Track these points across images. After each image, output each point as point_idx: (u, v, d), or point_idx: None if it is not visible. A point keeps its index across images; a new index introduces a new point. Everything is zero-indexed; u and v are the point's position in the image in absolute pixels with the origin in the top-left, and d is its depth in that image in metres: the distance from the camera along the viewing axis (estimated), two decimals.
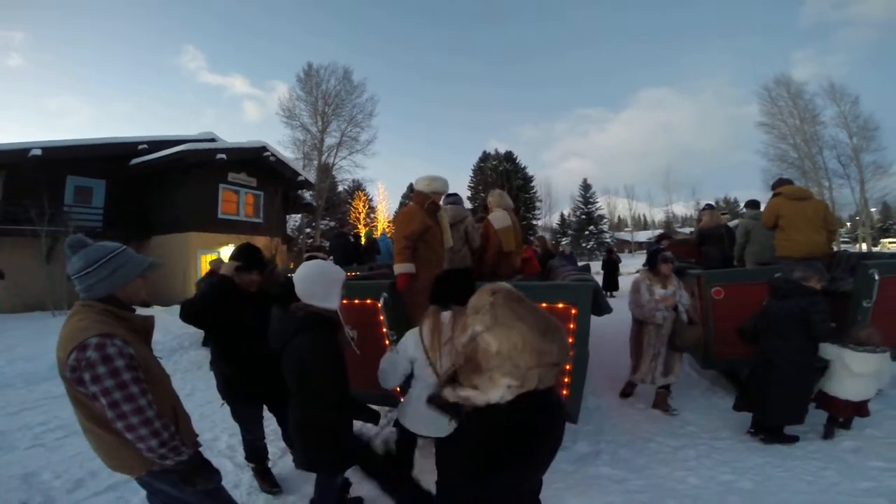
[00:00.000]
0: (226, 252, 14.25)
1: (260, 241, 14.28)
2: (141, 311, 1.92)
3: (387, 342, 3.07)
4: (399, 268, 3.26)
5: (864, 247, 25.63)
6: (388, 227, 36.19)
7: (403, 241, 3.29)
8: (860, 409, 3.42)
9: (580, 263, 8.59)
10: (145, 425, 1.53)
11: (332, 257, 9.13)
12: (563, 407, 1.15)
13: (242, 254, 2.77)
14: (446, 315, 2.35)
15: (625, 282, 15.16)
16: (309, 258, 8.17)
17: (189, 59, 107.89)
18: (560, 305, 2.68)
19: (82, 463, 3.47)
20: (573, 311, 2.65)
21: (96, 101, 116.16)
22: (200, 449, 1.95)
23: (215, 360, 2.88)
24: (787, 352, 3.24)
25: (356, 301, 3.14)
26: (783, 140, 27.56)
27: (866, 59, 63.40)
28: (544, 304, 2.66)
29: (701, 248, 6.33)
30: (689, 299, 4.11)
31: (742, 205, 6.60)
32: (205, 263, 13.08)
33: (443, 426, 1.40)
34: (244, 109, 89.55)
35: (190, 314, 2.64)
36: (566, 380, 2.71)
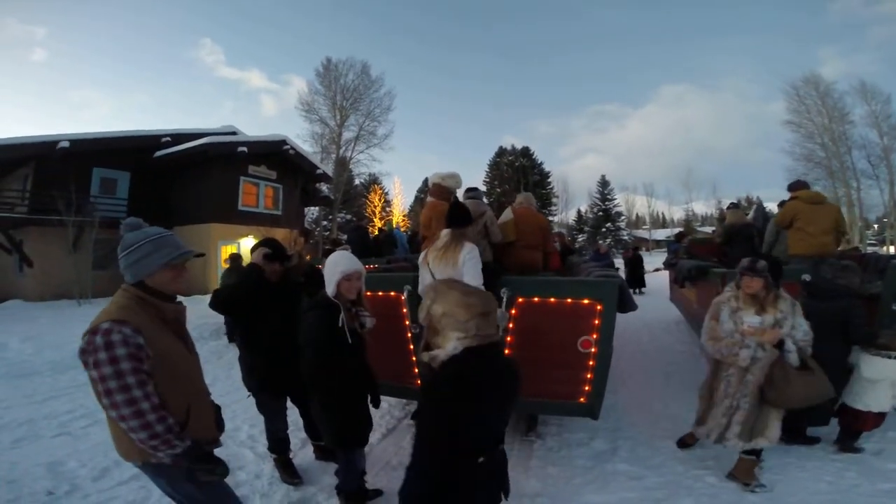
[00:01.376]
0: (246, 244, 14.48)
1: (279, 234, 14.44)
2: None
3: (409, 334, 3.11)
4: None
5: (893, 249, 24.85)
6: (404, 220, 36.26)
7: None
8: (877, 421, 3.27)
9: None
10: (136, 417, 1.49)
11: (349, 250, 9.23)
12: (503, 359, 1.62)
13: (269, 243, 2.83)
14: (445, 232, 2.96)
15: (648, 279, 15.15)
16: (327, 252, 8.29)
17: (206, 52, 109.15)
18: (585, 301, 2.68)
19: (107, 451, 3.39)
20: (598, 308, 2.65)
21: (117, 93, 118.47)
22: (222, 442, 1.96)
23: (242, 350, 2.95)
24: (821, 353, 3.16)
25: (380, 293, 3.18)
26: (810, 139, 26.89)
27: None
28: (569, 300, 2.69)
29: (726, 248, 6.18)
30: (808, 331, 2.84)
31: (762, 203, 6.46)
32: (225, 255, 13.31)
33: None
34: (261, 103, 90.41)
35: (226, 301, 2.75)
36: (588, 376, 2.71)
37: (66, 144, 13.15)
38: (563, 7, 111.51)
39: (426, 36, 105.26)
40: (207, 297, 3.21)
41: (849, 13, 63.80)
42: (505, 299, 2.70)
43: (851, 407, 3.26)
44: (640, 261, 14.74)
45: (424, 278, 2.93)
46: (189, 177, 15.24)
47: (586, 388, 2.77)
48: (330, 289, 2.34)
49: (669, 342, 6.94)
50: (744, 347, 2.75)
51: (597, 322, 2.65)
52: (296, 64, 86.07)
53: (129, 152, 14.84)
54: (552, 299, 2.73)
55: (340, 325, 2.28)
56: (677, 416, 4.15)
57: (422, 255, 3.08)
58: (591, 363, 2.71)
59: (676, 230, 48.02)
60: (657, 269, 16.58)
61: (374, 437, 3.33)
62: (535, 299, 2.77)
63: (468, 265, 2.76)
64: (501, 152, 45.74)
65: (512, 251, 4.09)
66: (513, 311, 2.79)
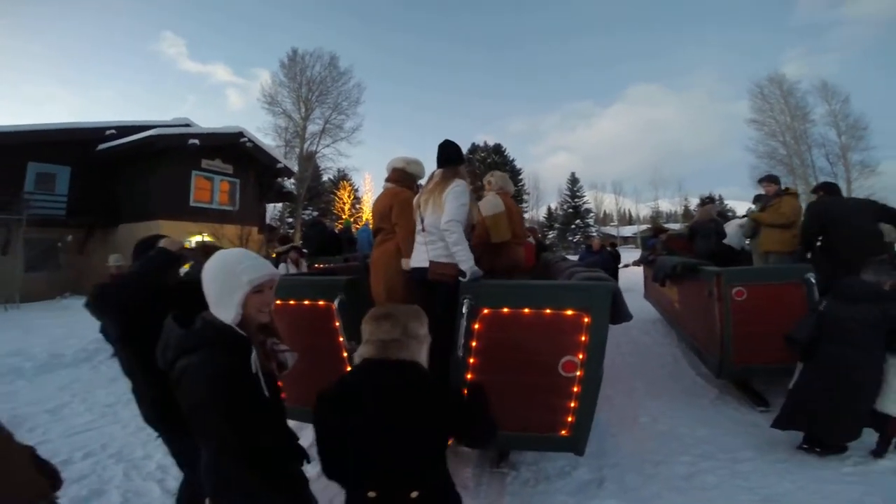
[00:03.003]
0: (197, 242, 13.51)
1: (230, 231, 13.64)
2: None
3: (344, 354, 2.50)
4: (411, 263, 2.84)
5: None
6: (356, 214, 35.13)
7: (413, 235, 2.86)
8: None
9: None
10: None
11: (306, 249, 8.53)
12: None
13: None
14: (437, 171, 2.77)
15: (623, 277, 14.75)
16: (278, 255, 7.54)
17: (167, 45, 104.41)
18: (569, 312, 2.11)
19: None
20: (585, 320, 2.09)
21: (76, 88, 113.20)
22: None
23: (136, 376, 2.18)
24: (858, 362, 2.78)
25: (306, 302, 2.55)
26: (773, 137, 27.58)
27: (858, 59, 63.65)
28: (548, 310, 2.12)
29: (690, 244, 5.93)
30: None
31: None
32: None
33: None
34: (227, 97, 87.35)
35: (117, 298, 1.90)
36: (572, 404, 2.17)
37: None
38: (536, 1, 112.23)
39: (397, 30, 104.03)
40: None
41: (814, 14, 66.31)
42: (465, 311, 2.12)
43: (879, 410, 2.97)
44: (617, 257, 14.33)
45: (416, 223, 2.77)
46: (136, 171, 14.22)
47: (569, 418, 2.23)
48: (230, 311, 1.33)
49: (648, 344, 6.53)
50: None
51: (583, 339, 2.09)
52: (264, 57, 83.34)
53: (70, 146, 13.72)
54: (526, 310, 2.15)
55: (255, 371, 1.35)
56: (667, 432, 3.69)
57: (416, 197, 2.85)
58: (575, 389, 2.17)
59: (644, 227, 49.31)
60: (626, 266, 16.37)
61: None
62: (505, 310, 2.18)
63: (449, 198, 2.51)
64: (474, 149, 45.36)
65: (504, 249, 3.42)
66: (476, 326, 2.20)
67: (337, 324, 2.47)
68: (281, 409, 1.51)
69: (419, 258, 2.70)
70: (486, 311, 2.18)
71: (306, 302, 2.50)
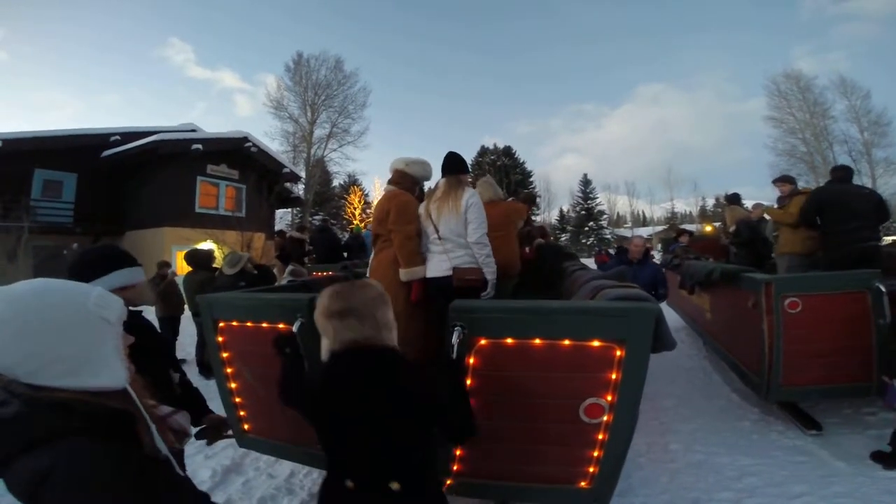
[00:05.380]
0: (203, 247, 13.30)
1: (231, 237, 13.39)
2: None
3: None
4: (409, 273, 2.65)
5: None
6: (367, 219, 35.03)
7: (412, 242, 2.70)
8: None
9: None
10: None
11: (314, 255, 8.17)
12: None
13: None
14: (442, 180, 2.79)
15: None
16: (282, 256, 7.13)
17: (175, 51, 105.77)
18: (595, 344, 1.60)
19: None
20: (617, 353, 1.60)
21: (84, 94, 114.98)
22: None
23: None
24: None
25: (264, 325, 2.07)
26: (792, 134, 27.00)
27: (867, 55, 61.57)
28: (566, 342, 1.62)
29: (731, 246, 5.36)
30: None
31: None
32: (180, 260, 12.14)
33: None
34: (235, 104, 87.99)
35: None
36: (595, 454, 1.68)
37: None
38: (540, 5, 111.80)
39: (403, 33, 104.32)
40: None
41: (818, 10, 64.63)
42: (456, 342, 1.61)
43: None
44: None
45: (428, 232, 2.72)
46: (141, 177, 14.15)
47: (590, 469, 1.75)
48: (113, 372, 0.87)
49: (674, 357, 5.99)
50: None
51: (614, 377, 1.60)
52: (270, 63, 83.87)
53: (75, 152, 13.68)
54: (536, 340, 1.64)
55: (163, 454, 0.91)
56: (703, 462, 3.20)
57: (422, 206, 2.81)
58: (599, 437, 1.68)
59: (659, 228, 48.27)
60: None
61: None
62: (508, 341, 1.67)
63: (471, 211, 2.61)
64: (483, 152, 44.95)
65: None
66: (471, 361, 1.70)
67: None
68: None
69: (439, 267, 2.66)
70: (482, 341, 1.68)
71: (264, 324, 2.05)
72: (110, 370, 0.85)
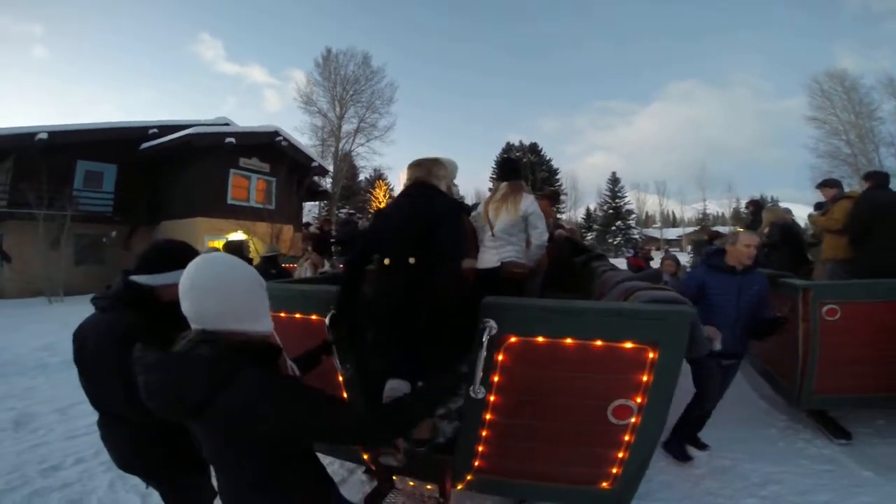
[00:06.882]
0: (235, 238, 13.69)
1: (261, 229, 13.74)
2: None
3: (339, 377, 2.11)
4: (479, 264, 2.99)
5: None
6: None
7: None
8: None
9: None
10: None
11: (339, 247, 8.29)
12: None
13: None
14: (504, 185, 3.04)
15: None
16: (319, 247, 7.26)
17: (205, 47, 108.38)
18: (628, 345, 1.61)
19: None
20: (650, 355, 1.60)
21: (120, 88, 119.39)
22: None
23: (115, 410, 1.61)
24: None
25: (297, 315, 2.15)
26: (835, 135, 25.98)
27: None
28: (598, 342, 1.62)
29: (765, 250, 5.18)
30: None
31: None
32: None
33: None
34: (265, 98, 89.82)
35: None
36: (620, 455, 1.69)
37: (44, 136, 12.59)
38: (569, 2, 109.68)
39: (430, 31, 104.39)
40: None
41: (866, 6, 61.12)
42: (486, 338, 1.64)
43: None
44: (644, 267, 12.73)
45: (484, 230, 2.99)
46: (176, 169, 14.63)
47: (613, 469, 1.76)
48: (267, 322, 1.20)
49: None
50: None
51: (645, 379, 1.61)
52: (299, 59, 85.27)
53: (116, 145, 14.21)
54: (568, 340, 1.65)
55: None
56: (728, 469, 3.17)
57: (480, 205, 3.18)
58: (626, 438, 1.70)
59: (689, 229, 46.89)
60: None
61: None
62: (539, 339, 1.67)
63: (533, 217, 2.89)
64: (508, 148, 44.67)
65: None
66: (500, 357, 1.72)
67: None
68: None
69: (489, 259, 2.92)
70: (512, 338, 1.70)
71: (297, 315, 2.13)
72: (266, 320, 1.18)
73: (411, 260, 1.95)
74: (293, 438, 1.09)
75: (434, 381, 1.45)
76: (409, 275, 1.96)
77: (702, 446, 3.33)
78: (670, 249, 33.48)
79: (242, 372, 1.03)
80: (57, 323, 8.04)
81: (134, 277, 1.52)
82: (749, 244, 2.91)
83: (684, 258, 13.35)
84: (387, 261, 2.04)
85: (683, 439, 3.27)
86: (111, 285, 1.58)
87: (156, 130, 14.79)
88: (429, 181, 2.21)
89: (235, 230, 13.99)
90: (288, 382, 1.15)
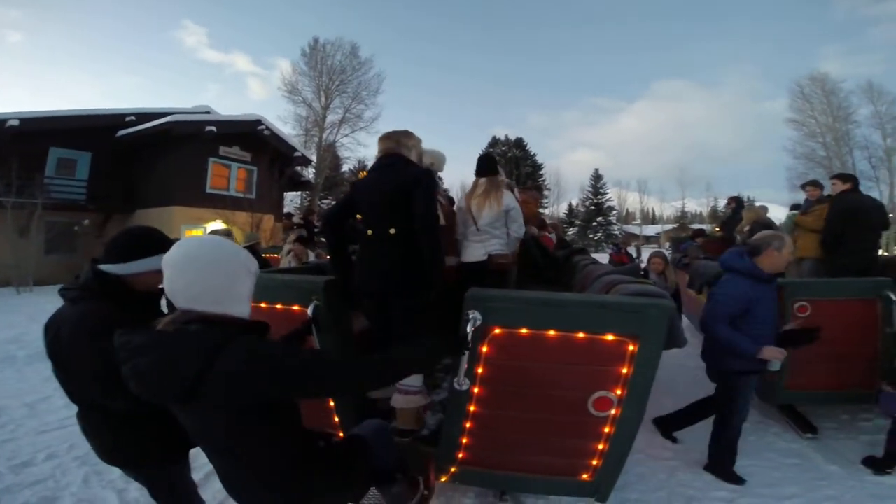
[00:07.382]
0: (213, 227, 13.44)
1: (241, 218, 13.53)
2: None
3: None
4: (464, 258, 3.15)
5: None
6: None
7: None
8: None
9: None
10: None
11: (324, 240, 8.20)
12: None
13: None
14: (483, 180, 3.13)
15: None
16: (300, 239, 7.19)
17: (188, 34, 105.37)
18: (609, 338, 1.63)
19: None
20: (630, 348, 1.63)
21: (99, 75, 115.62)
22: None
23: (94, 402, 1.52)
24: None
25: (278, 306, 2.11)
26: (812, 138, 26.60)
27: None
28: (580, 334, 1.64)
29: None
30: None
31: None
32: None
33: None
34: (248, 87, 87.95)
35: None
36: (600, 446, 1.72)
37: (15, 123, 12.12)
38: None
39: (416, 22, 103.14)
40: None
41: (853, 11, 62.58)
42: (470, 329, 1.63)
43: None
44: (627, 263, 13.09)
45: (467, 224, 3.11)
46: (153, 157, 14.21)
47: (593, 461, 1.80)
48: (244, 305, 1.20)
49: (676, 354, 5.94)
50: None
51: (625, 371, 1.64)
52: (284, 48, 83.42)
53: (91, 132, 13.77)
54: (551, 332, 1.67)
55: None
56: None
57: (462, 200, 3.25)
58: (606, 430, 1.73)
59: (668, 226, 47.77)
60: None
61: None
62: (522, 331, 1.68)
63: (514, 213, 3.07)
64: (494, 142, 44.76)
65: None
66: (484, 349, 1.72)
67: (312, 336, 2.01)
68: None
69: (475, 254, 3.07)
70: (497, 330, 1.70)
71: (279, 306, 2.09)
72: (245, 304, 1.19)
73: (392, 231, 2.12)
74: (293, 389, 1.12)
75: (423, 342, 1.49)
76: (393, 245, 2.12)
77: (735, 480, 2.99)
78: (650, 247, 34.04)
79: (234, 340, 1.05)
80: (25, 314, 7.77)
81: (103, 266, 1.45)
82: (792, 251, 2.71)
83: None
84: (370, 232, 2.22)
85: (732, 463, 2.99)
86: (80, 275, 1.52)
87: (133, 118, 14.39)
88: (398, 151, 2.29)
89: (214, 219, 13.73)
90: (278, 342, 1.31)
